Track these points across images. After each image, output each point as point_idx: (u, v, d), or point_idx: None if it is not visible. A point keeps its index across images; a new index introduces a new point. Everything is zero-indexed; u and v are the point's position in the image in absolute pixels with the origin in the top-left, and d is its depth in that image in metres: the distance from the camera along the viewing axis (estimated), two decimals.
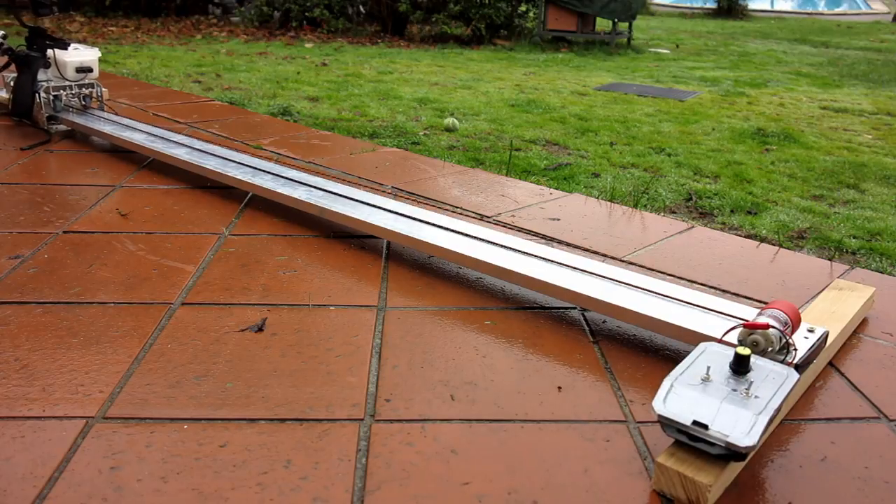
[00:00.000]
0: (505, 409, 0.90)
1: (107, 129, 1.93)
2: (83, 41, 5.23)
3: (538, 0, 6.51)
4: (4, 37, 1.99)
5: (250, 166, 1.65)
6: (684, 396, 0.77)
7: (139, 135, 1.89)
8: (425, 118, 3.14)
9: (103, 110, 2.13)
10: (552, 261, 1.18)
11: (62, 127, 2.09)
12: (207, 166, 1.64)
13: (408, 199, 1.66)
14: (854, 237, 1.89)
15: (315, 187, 1.52)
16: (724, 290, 1.23)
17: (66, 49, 2.02)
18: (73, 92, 2.09)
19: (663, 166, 2.54)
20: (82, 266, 1.27)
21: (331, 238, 1.42)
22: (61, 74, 2.05)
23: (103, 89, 2.18)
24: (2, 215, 1.49)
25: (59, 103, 2.08)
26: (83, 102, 2.13)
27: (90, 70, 2.09)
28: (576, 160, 2.58)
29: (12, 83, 2.11)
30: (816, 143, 3.01)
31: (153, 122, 2.11)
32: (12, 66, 2.09)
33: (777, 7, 14.38)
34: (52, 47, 2.00)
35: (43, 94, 2.05)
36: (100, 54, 2.13)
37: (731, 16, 11.64)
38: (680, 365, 0.82)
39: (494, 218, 1.56)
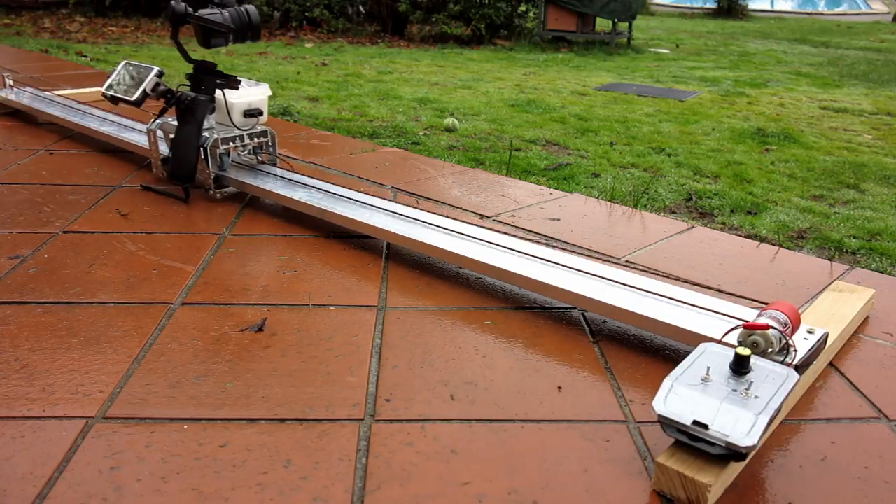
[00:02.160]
0: (505, 409, 0.90)
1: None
2: (83, 41, 5.23)
3: (538, 0, 6.51)
4: (161, 74, 1.56)
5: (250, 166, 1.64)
6: (684, 396, 0.77)
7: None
8: (425, 118, 3.14)
9: (276, 164, 1.67)
10: (552, 262, 1.18)
11: (230, 190, 1.61)
12: None
13: (408, 199, 1.66)
14: (854, 237, 1.89)
15: (315, 187, 1.52)
16: (723, 291, 1.23)
17: (237, 88, 1.54)
18: (244, 143, 1.60)
19: (663, 166, 2.55)
20: (82, 266, 1.27)
21: (331, 238, 1.42)
22: (231, 121, 1.57)
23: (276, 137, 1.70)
24: (2, 215, 1.49)
25: (227, 159, 1.61)
26: (255, 156, 1.67)
27: (260, 113, 1.61)
28: (576, 160, 2.58)
29: (154, 128, 1.66)
30: (816, 143, 3.01)
31: None
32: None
33: (777, 7, 14.37)
34: (222, 87, 1.53)
35: (211, 149, 1.56)
36: (270, 92, 1.65)
37: (731, 16, 11.63)
38: (680, 365, 0.82)
39: (494, 218, 1.56)
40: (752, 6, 12.47)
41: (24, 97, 2.30)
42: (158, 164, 1.68)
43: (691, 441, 0.75)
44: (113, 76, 1.65)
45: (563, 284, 1.10)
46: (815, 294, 1.24)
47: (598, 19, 6.56)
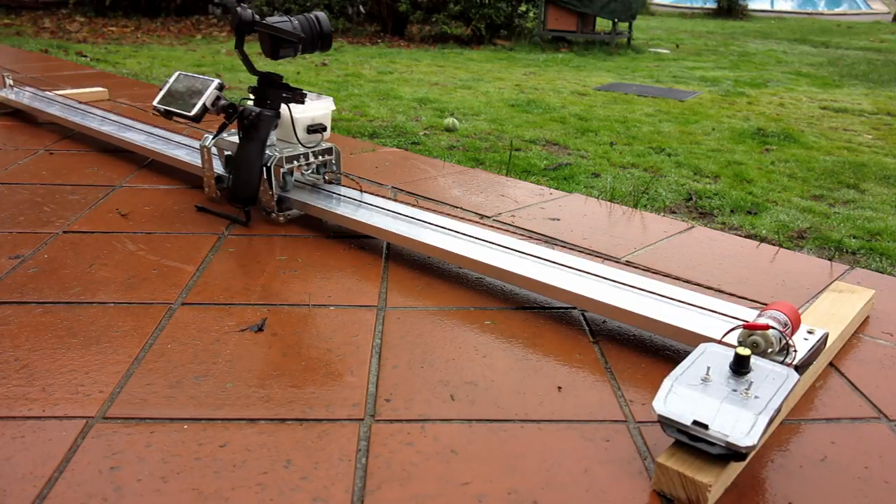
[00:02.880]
0: (505, 409, 0.90)
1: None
2: (83, 41, 5.23)
3: (538, 0, 6.51)
4: (222, 87, 1.44)
5: None
6: (684, 396, 0.77)
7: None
8: (425, 118, 3.14)
9: (339, 184, 1.54)
10: (552, 261, 1.18)
11: (294, 212, 1.49)
12: None
13: (408, 199, 1.66)
14: (854, 237, 1.89)
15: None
16: (723, 291, 1.23)
17: (303, 102, 1.42)
18: (308, 162, 1.48)
19: (663, 166, 2.55)
20: (82, 266, 1.27)
21: (331, 238, 1.42)
22: (295, 137, 1.45)
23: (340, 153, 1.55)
24: (2, 215, 1.49)
25: (290, 179, 1.50)
26: (321, 176, 1.55)
27: (324, 129, 1.49)
28: (576, 160, 2.58)
29: (209, 145, 1.53)
30: (816, 143, 3.01)
31: (153, 123, 2.11)
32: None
33: (777, 7, 14.37)
34: (288, 101, 1.40)
35: (274, 169, 1.43)
36: (333, 106, 1.53)
37: (731, 16, 11.63)
38: (680, 365, 0.82)
39: (494, 218, 1.56)
40: (752, 6, 12.47)
41: (24, 97, 2.30)
42: (212, 183, 1.57)
43: (691, 441, 0.75)
44: (165, 88, 1.51)
45: (563, 284, 1.10)
46: (815, 294, 1.24)
47: (598, 19, 6.56)
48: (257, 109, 1.39)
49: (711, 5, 12.40)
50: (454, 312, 1.14)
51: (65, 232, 1.42)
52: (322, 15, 1.38)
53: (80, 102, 2.24)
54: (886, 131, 3.37)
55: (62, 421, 0.85)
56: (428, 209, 1.44)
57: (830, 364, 1.03)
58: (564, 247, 1.41)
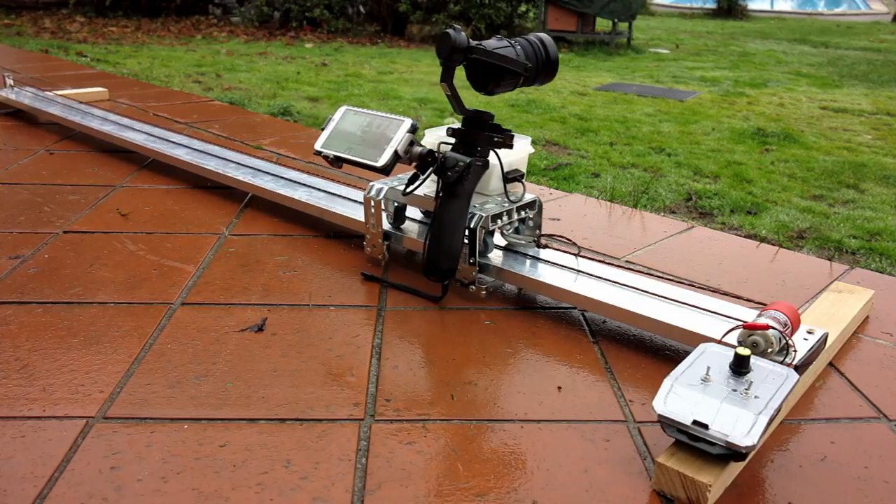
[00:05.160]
0: (505, 409, 0.90)
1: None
2: (83, 41, 5.23)
3: (538, 0, 6.51)
4: (415, 129, 1.16)
5: (250, 167, 1.65)
6: (684, 396, 0.77)
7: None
8: (425, 118, 3.14)
9: (538, 244, 1.24)
10: (552, 261, 1.18)
11: (494, 282, 1.22)
12: (208, 167, 1.64)
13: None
14: (854, 237, 1.89)
15: (315, 187, 1.52)
16: (723, 291, 1.23)
17: (513, 146, 1.13)
18: (510, 219, 1.20)
19: (663, 166, 2.55)
20: (82, 266, 1.27)
21: (331, 238, 1.42)
22: (493, 188, 1.21)
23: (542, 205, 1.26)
24: (2, 215, 1.49)
25: (491, 242, 1.21)
26: (526, 235, 1.26)
27: (521, 176, 1.21)
28: (576, 160, 2.58)
29: (381, 199, 1.25)
30: (816, 143, 3.01)
31: (153, 123, 2.11)
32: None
33: (777, 7, 14.37)
34: (499, 146, 1.13)
35: (479, 231, 1.15)
36: (532, 148, 1.26)
37: (731, 16, 11.63)
38: (680, 365, 0.82)
39: None
40: (752, 6, 12.46)
41: (24, 97, 2.30)
42: (378, 241, 1.29)
43: (691, 441, 0.75)
44: (329, 128, 1.22)
45: (563, 284, 1.10)
46: (814, 294, 1.24)
47: (598, 19, 6.56)
48: (465, 158, 1.11)
49: (711, 5, 12.40)
50: (454, 312, 1.14)
51: (65, 232, 1.42)
52: (548, 39, 1.12)
53: (81, 102, 2.24)
54: (886, 131, 3.37)
55: (62, 421, 0.85)
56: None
57: (830, 364, 1.03)
58: (564, 247, 1.41)
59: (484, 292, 1.17)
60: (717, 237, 1.50)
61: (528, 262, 1.19)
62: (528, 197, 1.22)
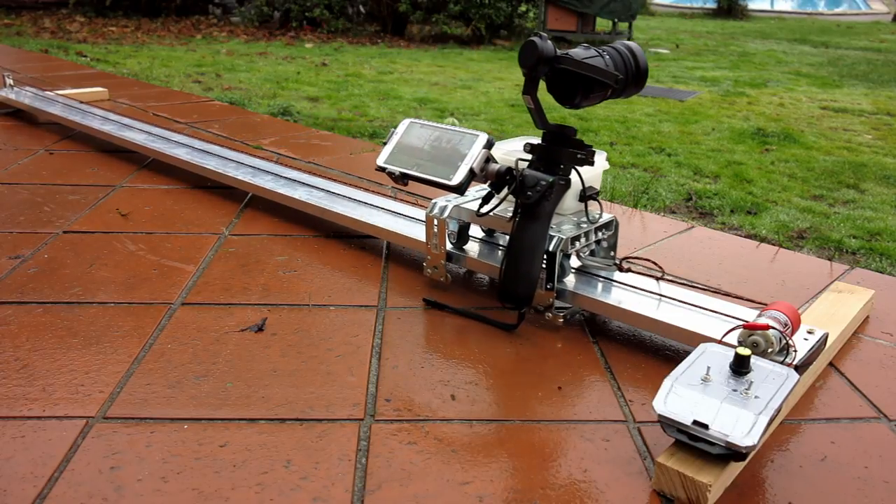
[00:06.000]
0: (505, 409, 0.90)
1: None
2: (83, 41, 5.23)
3: (538, 0, 6.51)
4: (492, 144, 1.08)
5: (250, 166, 1.65)
6: (685, 396, 0.77)
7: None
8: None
9: (619, 267, 1.17)
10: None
11: (572, 308, 1.13)
12: (208, 166, 1.64)
13: (408, 199, 1.66)
14: (854, 237, 1.89)
15: (315, 187, 1.52)
16: (724, 291, 1.23)
17: (593, 163, 1.06)
18: (588, 241, 1.13)
19: (663, 166, 2.55)
20: (82, 266, 1.27)
21: (331, 238, 1.42)
22: (585, 210, 1.13)
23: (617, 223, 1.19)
24: (2, 215, 1.49)
25: (568, 265, 1.14)
26: (613, 259, 1.19)
27: (597, 194, 1.13)
28: None
29: (446, 217, 1.18)
30: (816, 143, 3.01)
31: (153, 123, 2.11)
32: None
33: (777, 7, 14.37)
34: (582, 163, 1.05)
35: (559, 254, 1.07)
36: (607, 164, 1.19)
37: (731, 16, 11.63)
38: (680, 365, 0.82)
39: None
40: (752, 6, 12.46)
41: (24, 97, 2.31)
42: (441, 263, 1.21)
43: (691, 441, 0.75)
44: (393, 143, 1.15)
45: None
46: (815, 294, 1.24)
47: (599, 19, 6.56)
48: (546, 177, 1.02)
49: (711, 5, 12.39)
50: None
51: (65, 232, 1.42)
52: (636, 47, 1.05)
53: (81, 102, 2.24)
54: (886, 131, 3.37)
55: (62, 421, 0.85)
56: (416, 203, 1.44)
57: (830, 364, 1.03)
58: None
59: (561, 320, 1.10)
60: (717, 237, 1.50)
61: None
62: (606, 216, 1.15)
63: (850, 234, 1.91)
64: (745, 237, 1.67)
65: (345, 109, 3.20)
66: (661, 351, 1.05)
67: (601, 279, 1.14)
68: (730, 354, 0.83)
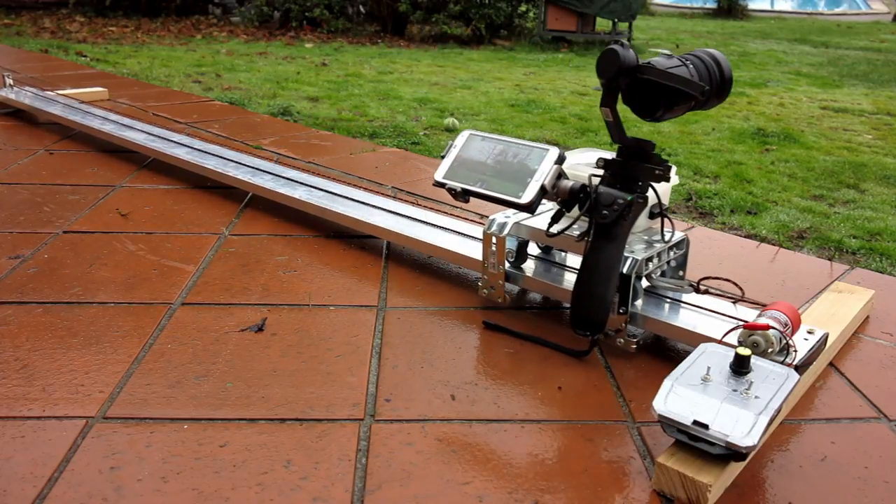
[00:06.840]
0: (505, 409, 0.90)
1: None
2: (83, 41, 5.23)
3: (538, 0, 6.51)
4: (563, 160, 1.01)
5: (250, 166, 1.65)
6: (685, 396, 0.77)
7: None
8: (425, 118, 3.14)
9: (697, 290, 1.10)
10: (552, 261, 1.18)
11: (643, 334, 1.08)
12: (208, 166, 1.64)
13: (408, 199, 1.66)
14: (854, 237, 1.89)
15: (315, 187, 1.52)
16: (723, 291, 1.23)
17: (669, 178, 0.97)
18: (659, 262, 1.07)
19: None
20: (82, 266, 1.27)
21: (331, 238, 1.42)
22: (661, 230, 1.08)
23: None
24: (2, 215, 1.49)
25: (641, 287, 1.07)
26: (682, 280, 1.13)
27: (665, 212, 1.06)
28: None
29: (505, 235, 1.10)
30: (816, 143, 3.01)
31: (153, 123, 2.11)
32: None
33: (777, 7, 14.36)
34: (659, 179, 0.96)
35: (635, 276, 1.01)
36: (677, 179, 1.10)
37: (731, 16, 11.63)
38: (680, 365, 0.82)
39: None
40: (752, 6, 12.46)
41: (24, 97, 2.31)
42: (500, 283, 1.14)
43: (691, 441, 0.75)
44: (451, 157, 1.07)
45: (564, 284, 1.10)
46: (815, 294, 1.24)
47: (599, 19, 6.56)
48: (624, 195, 0.95)
49: (711, 5, 12.39)
50: (454, 312, 1.14)
51: (65, 232, 1.42)
52: (721, 56, 0.97)
53: (81, 102, 2.24)
54: (886, 131, 3.37)
55: (62, 421, 0.85)
56: (429, 209, 1.44)
57: (830, 364, 1.03)
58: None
59: (634, 346, 1.03)
60: (717, 237, 1.50)
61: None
62: (678, 235, 1.09)
63: (850, 234, 1.91)
64: (745, 237, 1.67)
65: (345, 109, 3.20)
66: (661, 351, 1.05)
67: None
68: (730, 354, 0.83)
